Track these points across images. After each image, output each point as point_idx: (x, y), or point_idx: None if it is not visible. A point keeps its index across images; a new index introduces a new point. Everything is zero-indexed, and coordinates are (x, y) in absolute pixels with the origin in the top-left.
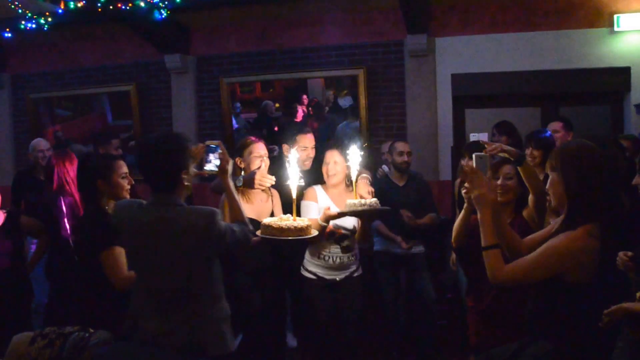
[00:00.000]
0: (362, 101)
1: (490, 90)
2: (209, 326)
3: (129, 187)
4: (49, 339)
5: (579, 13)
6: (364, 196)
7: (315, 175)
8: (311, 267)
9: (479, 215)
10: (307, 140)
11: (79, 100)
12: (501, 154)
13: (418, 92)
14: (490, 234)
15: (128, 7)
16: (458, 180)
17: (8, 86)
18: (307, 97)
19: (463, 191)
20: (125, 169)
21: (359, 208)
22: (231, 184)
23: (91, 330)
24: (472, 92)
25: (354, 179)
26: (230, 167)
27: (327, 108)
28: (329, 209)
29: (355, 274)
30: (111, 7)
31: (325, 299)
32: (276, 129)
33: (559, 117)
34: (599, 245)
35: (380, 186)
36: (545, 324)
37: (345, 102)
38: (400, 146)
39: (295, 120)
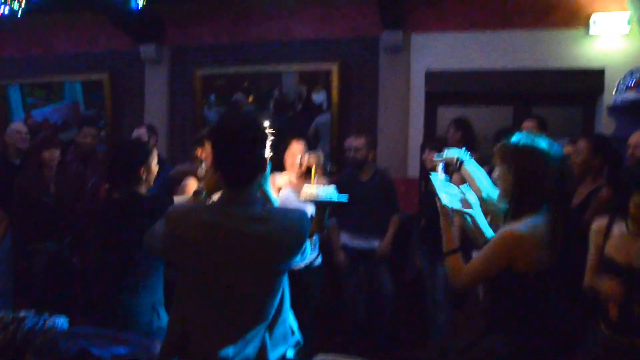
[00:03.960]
0: (335, 96)
1: (463, 87)
2: (284, 342)
3: None
4: (2, 323)
5: (555, 13)
6: (312, 165)
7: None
8: None
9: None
10: None
11: (52, 88)
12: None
13: (391, 87)
14: (447, 240)
15: None
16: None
17: None
18: (279, 92)
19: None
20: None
21: (314, 199)
22: (270, 192)
23: (46, 315)
24: (445, 89)
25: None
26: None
27: (300, 104)
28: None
29: (315, 263)
30: None
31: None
32: None
33: (533, 116)
34: (545, 236)
35: (343, 181)
36: (498, 315)
37: (319, 96)
38: (350, 141)
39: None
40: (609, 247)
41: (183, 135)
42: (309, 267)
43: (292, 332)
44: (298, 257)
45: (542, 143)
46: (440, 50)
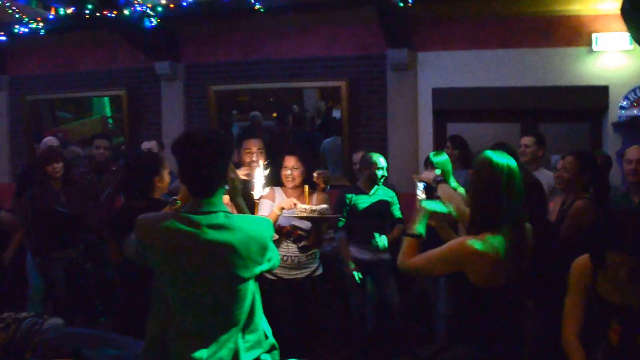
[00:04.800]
0: (344, 113)
1: (470, 105)
2: (257, 346)
3: None
4: (5, 323)
5: (558, 32)
6: (320, 183)
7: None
8: None
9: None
10: (252, 144)
11: (81, 103)
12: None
13: (399, 105)
14: (412, 224)
15: (113, 15)
16: None
17: (6, 88)
18: (298, 107)
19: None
20: None
21: (307, 214)
22: (242, 204)
23: (45, 317)
24: (453, 106)
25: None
26: (238, 186)
27: (319, 120)
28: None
29: (316, 274)
30: (98, 14)
31: (285, 298)
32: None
33: (532, 132)
34: (499, 255)
35: (349, 194)
36: (459, 325)
37: (339, 113)
38: (382, 161)
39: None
40: (599, 286)
41: None
42: (309, 278)
43: (266, 337)
44: (264, 265)
45: (503, 159)
46: (447, 68)
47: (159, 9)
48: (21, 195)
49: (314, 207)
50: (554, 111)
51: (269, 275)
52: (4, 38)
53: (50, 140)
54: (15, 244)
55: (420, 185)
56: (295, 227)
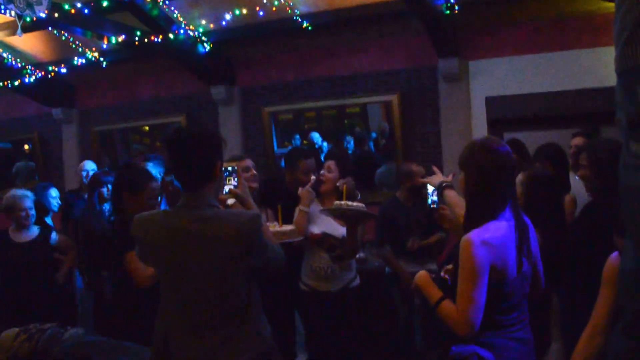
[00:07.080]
0: (397, 127)
1: (526, 112)
2: (251, 347)
3: None
4: (29, 333)
5: (612, 30)
6: (344, 191)
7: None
8: (306, 279)
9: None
10: (308, 165)
11: (154, 131)
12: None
13: (453, 116)
14: (430, 294)
15: (160, 40)
16: None
17: (76, 121)
18: (362, 128)
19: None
20: None
21: (343, 208)
22: (254, 206)
23: (67, 327)
24: (507, 114)
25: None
26: (244, 191)
27: (383, 140)
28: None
29: (352, 285)
30: (146, 40)
31: (320, 311)
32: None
33: (581, 132)
34: (504, 243)
35: (387, 207)
36: None
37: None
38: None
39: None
40: None
41: (257, 170)
42: (345, 289)
43: (263, 337)
44: (256, 260)
45: (493, 148)
46: (500, 76)
47: (201, 29)
48: (68, 218)
49: (350, 203)
50: (615, 113)
51: (304, 287)
52: (64, 71)
53: (85, 162)
54: (68, 263)
55: (430, 189)
56: (327, 235)
